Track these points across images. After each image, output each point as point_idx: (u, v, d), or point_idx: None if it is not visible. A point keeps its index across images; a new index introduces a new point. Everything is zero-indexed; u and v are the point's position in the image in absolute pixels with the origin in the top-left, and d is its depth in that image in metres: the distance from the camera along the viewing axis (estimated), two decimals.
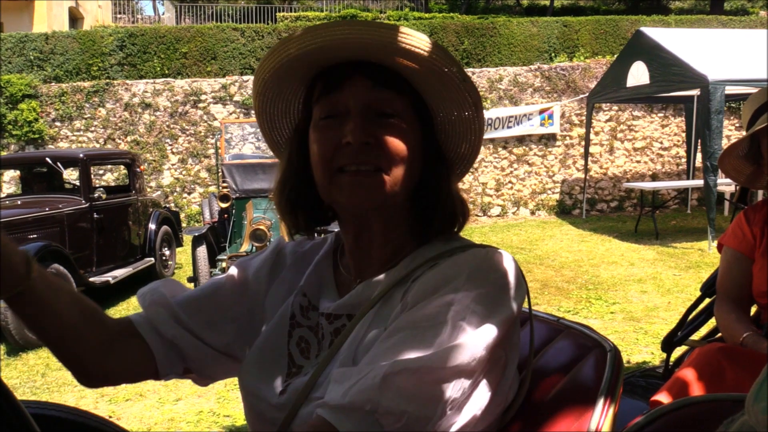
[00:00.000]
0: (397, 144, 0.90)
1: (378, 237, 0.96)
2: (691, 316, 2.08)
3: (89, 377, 0.98)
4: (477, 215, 11.86)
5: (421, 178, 0.94)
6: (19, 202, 6.81)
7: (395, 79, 0.91)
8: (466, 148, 0.99)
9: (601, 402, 0.84)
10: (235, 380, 1.07)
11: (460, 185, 1.00)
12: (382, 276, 0.94)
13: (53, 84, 12.11)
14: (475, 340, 0.78)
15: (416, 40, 0.87)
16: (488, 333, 0.79)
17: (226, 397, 3.91)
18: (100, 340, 0.96)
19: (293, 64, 0.92)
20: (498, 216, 11.99)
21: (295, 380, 0.93)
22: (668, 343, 2.07)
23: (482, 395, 0.82)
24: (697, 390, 1.51)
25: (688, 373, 1.56)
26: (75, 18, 21.04)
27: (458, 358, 0.76)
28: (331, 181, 0.91)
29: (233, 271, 1.08)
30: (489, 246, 0.92)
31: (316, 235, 1.08)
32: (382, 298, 0.89)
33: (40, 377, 4.52)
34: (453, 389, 0.76)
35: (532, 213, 12.09)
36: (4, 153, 11.16)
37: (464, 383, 0.77)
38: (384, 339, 0.81)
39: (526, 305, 0.92)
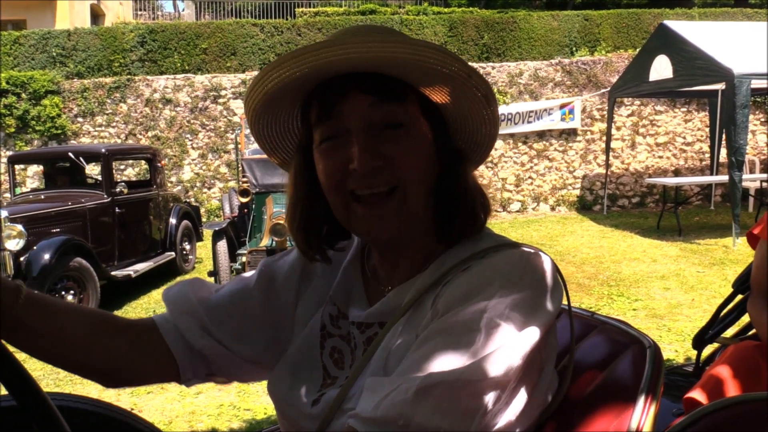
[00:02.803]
0: (408, 157, 0.85)
1: (405, 248, 0.93)
2: (722, 313, 2.02)
3: (108, 381, 0.99)
4: (497, 211, 11.78)
5: (439, 178, 0.90)
6: (42, 197, 6.90)
7: (395, 87, 0.85)
8: (480, 138, 0.95)
9: (641, 400, 0.81)
10: None
11: (480, 181, 0.95)
12: (412, 281, 0.90)
13: (75, 80, 12.24)
14: (511, 349, 0.74)
15: (407, 47, 0.81)
16: (524, 340, 0.76)
17: (247, 391, 3.92)
18: (114, 347, 0.96)
19: (281, 91, 0.87)
20: (518, 212, 11.90)
21: (328, 391, 0.90)
22: (699, 341, 2.02)
23: (519, 401, 0.79)
24: (732, 388, 1.47)
25: (722, 371, 1.51)
26: (96, 15, 21.26)
27: (494, 369, 0.72)
28: (348, 208, 0.87)
29: (261, 276, 1.04)
30: (522, 245, 0.87)
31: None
32: (413, 305, 0.85)
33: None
34: (489, 401, 0.73)
35: (552, 209, 11.99)
36: (27, 148, 11.31)
37: (500, 394, 0.74)
38: (416, 347, 0.78)
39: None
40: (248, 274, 1.07)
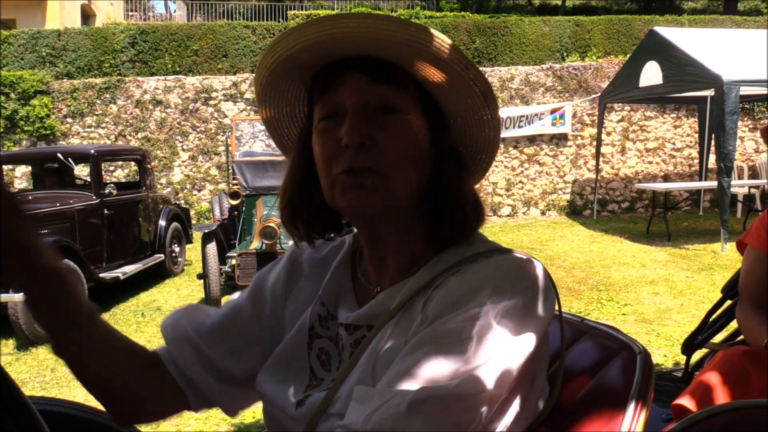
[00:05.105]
0: (397, 142, 0.85)
1: (392, 244, 0.91)
2: (711, 319, 2.03)
3: (125, 415, 0.98)
4: (487, 215, 11.74)
5: (431, 177, 0.89)
6: (30, 198, 6.83)
7: (394, 72, 0.86)
8: (481, 142, 0.93)
9: (632, 406, 0.80)
10: None
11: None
12: (402, 284, 0.89)
13: (65, 80, 12.15)
14: (504, 359, 0.73)
15: (404, 28, 0.82)
16: (518, 349, 0.74)
17: None
18: (135, 377, 0.96)
19: (287, 66, 0.89)
20: (508, 216, 11.93)
21: (313, 393, 0.89)
22: (689, 346, 2.02)
23: (510, 411, 0.79)
24: (721, 394, 1.47)
25: (711, 377, 1.52)
26: (87, 15, 21.15)
27: (487, 381, 0.71)
28: (333, 185, 0.87)
29: (253, 288, 1.04)
30: (514, 251, 0.86)
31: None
32: (402, 308, 0.84)
33: (50, 372, 4.52)
34: (482, 414, 0.72)
35: (543, 213, 12.02)
36: (15, 149, 11.22)
37: (493, 406, 0.73)
38: (405, 355, 0.76)
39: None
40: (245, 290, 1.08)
